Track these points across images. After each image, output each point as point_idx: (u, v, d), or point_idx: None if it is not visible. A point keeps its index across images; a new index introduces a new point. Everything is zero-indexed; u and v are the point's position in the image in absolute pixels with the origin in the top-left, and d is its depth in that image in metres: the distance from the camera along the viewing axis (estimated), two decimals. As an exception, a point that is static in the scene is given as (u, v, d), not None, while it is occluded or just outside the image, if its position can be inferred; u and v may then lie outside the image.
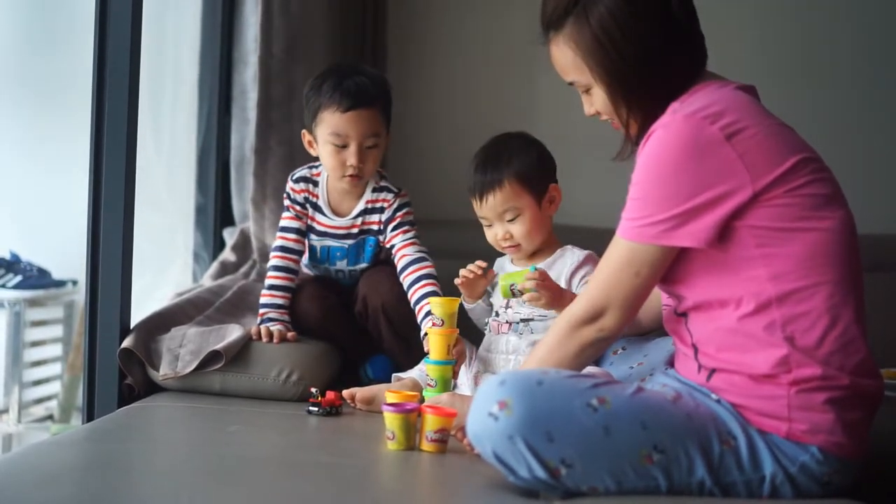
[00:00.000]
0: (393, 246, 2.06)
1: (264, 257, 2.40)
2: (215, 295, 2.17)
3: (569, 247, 1.85)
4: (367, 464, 1.49)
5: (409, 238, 2.05)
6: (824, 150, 1.41)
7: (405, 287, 2.00)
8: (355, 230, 2.08)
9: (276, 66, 2.35)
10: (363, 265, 2.13)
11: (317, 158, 2.06)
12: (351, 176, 1.98)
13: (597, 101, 1.45)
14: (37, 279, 3.00)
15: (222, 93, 2.64)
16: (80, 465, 1.45)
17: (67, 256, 3.10)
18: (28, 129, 3.20)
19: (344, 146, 1.96)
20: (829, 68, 2.85)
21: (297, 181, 2.08)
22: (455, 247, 2.14)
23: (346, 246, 2.09)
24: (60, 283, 3.10)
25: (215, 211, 2.62)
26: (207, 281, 2.34)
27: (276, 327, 1.98)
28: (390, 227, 2.06)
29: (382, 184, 2.08)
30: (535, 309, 1.79)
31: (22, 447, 1.55)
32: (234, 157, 2.59)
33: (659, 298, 1.64)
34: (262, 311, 2.04)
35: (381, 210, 2.07)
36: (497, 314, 1.87)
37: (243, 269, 2.39)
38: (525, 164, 1.80)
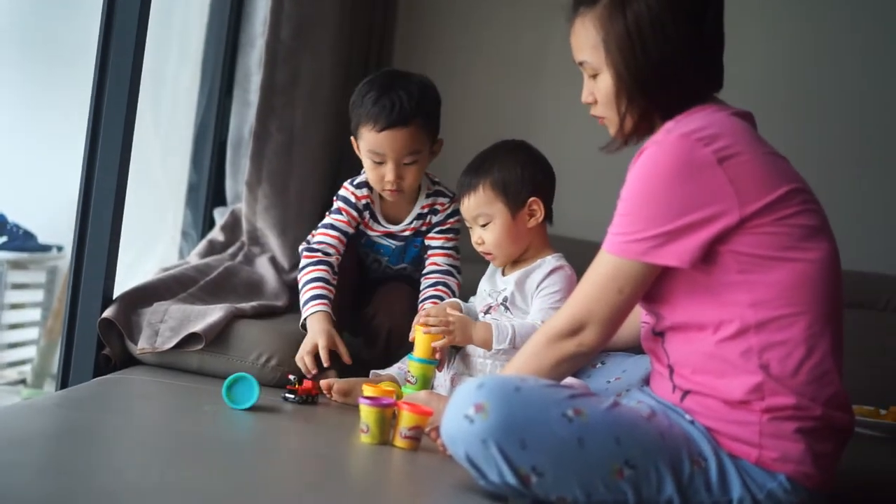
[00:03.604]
0: (430, 246, 2.06)
1: (253, 240, 2.39)
2: (201, 273, 2.17)
3: (548, 257, 1.84)
4: (339, 455, 1.49)
5: (450, 248, 2.06)
6: (816, 182, 1.43)
7: (421, 287, 2.02)
8: (408, 233, 2.06)
9: (283, 51, 2.34)
10: (403, 265, 2.12)
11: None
12: (390, 190, 1.96)
13: (600, 88, 1.44)
14: (22, 242, 2.99)
15: (225, 74, 2.63)
16: (51, 431, 1.44)
17: (55, 222, 3.09)
18: (27, 92, 3.18)
19: (382, 162, 1.93)
20: (826, 103, 2.87)
21: (359, 186, 2.03)
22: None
23: (394, 246, 2.08)
24: (45, 248, 3.08)
25: (208, 190, 2.61)
26: (194, 259, 2.33)
27: (322, 342, 1.85)
28: (437, 229, 2.05)
29: (436, 187, 2.06)
30: (513, 318, 1.81)
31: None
32: (231, 139, 2.58)
33: (638, 316, 1.66)
34: (312, 302, 1.92)
35: (436, 212, 2.05)
36: (477, 320, 1.88)
37: (231, 250, 2.39)
38: (505, 173, 1.81)
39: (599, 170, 2.49)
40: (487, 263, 1.93)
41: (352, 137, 2.00)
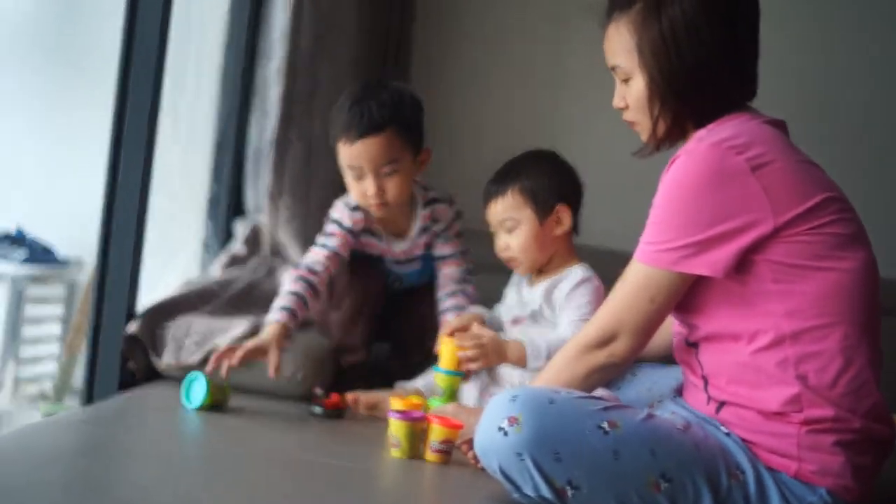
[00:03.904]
0: (439, 256, 2.03)
1: (276, 253, 2.38)
2: (224, 287, 2.16)
3: (575, 267, 1.83)
4: (371, 469, 1.48)
5: (459, 254, 2.02)
6: (851, 190, 1.40)
7: (438, 297, 1.99)
8: (418, 251, 2.02)
9: (303, 61, 2.34)
10: (424, 280, 2.09)
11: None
12: (375, 205, 1.89)
13: (632, 92, 1.42)
14: (41, 256, 2.99)
15: (244, 84, 2.63)
16: (78, 447, 1.44)
17: (73, 236, 3.10)
18: (45, 108, 3.19)
19: (361, 177, 1.87)
20: (861, 107, 2.84)
21: (355, 210, 1.95)
22: (478, 258, 2.11)
23: (414, 270, 2.06)
24: (64, 263, 3.09)
25: (228, 201, 2.61)
26: (216, 271, 2.32)
27: (250, 344, 1.77)
28: (442, 237, 2.02)
29: (431, 195, 2.01)
30: (542, 330, 1.79)
31: (19, 427, 1.53)
32: (251, 150, 2.58)
33: (669, 326, 1.64)
34: (274, 311, 1.87)
35: (437, 221, 2.01)
36: (502, 329, 1.86)
37: (252, 263, 2.38)
38: (534, 180, 1.81)
39: (623, 179, 2.48)
40: (509, 274, 1.91)
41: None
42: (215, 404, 1.67)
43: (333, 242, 1.96)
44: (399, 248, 2.02)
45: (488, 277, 2.04)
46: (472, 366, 1.71)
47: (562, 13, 2.83)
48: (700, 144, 1.33)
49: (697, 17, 1.36)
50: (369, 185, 1.86)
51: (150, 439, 1.52)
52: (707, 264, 1.31)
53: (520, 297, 1.88)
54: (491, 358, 1.71)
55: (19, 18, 3.18)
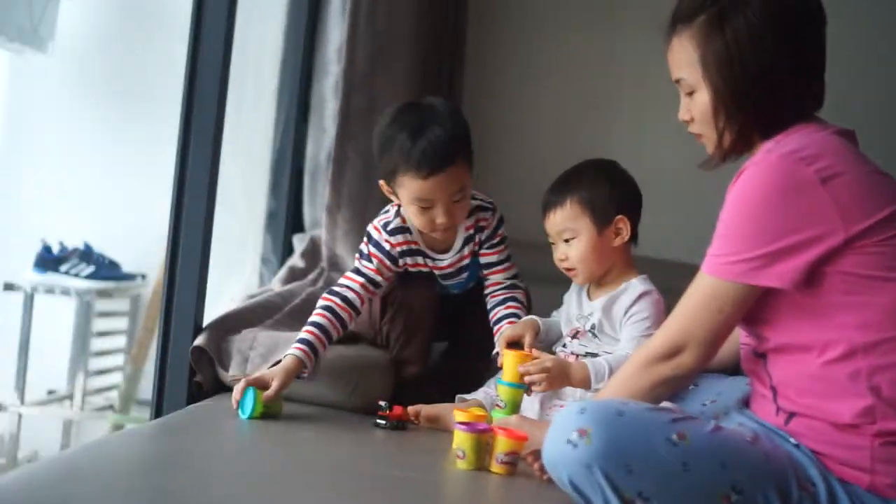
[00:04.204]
0: (486, 264, 1.99)
1: (333, 266, 2.42)
2: (285, 300, 2.20)
3: (634, 280, 1.81)
4: (438, 480, 1.49)
5: (505, 260, 1.99)
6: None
7: (489, 307, 1.97)
8: (465, 261, 1.98)
9: (359, 77, 2.37)
10: (471, 285, 2.07)
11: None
12: (443, 231, 1.85)
13: (697, 105, 1.42)
14: (108, 271, 3.08)
15: (301, 101, 2.68)
16: (153, 459, 1.47)
17: (137, 251, 3.18)
18: (110, 127, 3.29)
19: (430, 207, 1.81)
20: (875, 105, 2.77)
21: (392, 233, 1.90)
22: (530, 270, 2.11)
23: (461, 280, 2.02)
24: (130, 277, 3.17)
25: (287, 216, 2.65)
26: (277, 285, 2.37)
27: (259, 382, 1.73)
28: (487, 244, 1.97)
29: (474, 204, 1.96)
30: (602, 344, 1.78)
31: (94, 439, 1.58)
32: (308, 165, 2.63)
33: (737, 338, 1.62)
34: (295, 343, 1.82)
35: (482, 229, 1.96)
36: (564, 345, 1.86)
37: (311, 276, 2.42)
38: (593, 189, 1.79)
39: (678, 188, 2.47)
40: (567, 283, 1.91)
41: (381, 182, 1.87)
42: (268, 414, 1.72)
43: (370, 270, 1.92)
44: (445, 261, 1.98)
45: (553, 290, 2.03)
46: (537, 388, 1.70)
47: (616, 18, 2.82)
48: (769, 156, 1.32)
49: (762, 27, 1.35)
50: (440, 216, 1.81)
51: (221, 451, 1.55)
52: (776, 276, 1.30)
53: (580, 309, 1.87)
54: (555, 381, 1.69)
55: (87, 41, 3.28)
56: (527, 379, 1.69)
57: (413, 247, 1.94)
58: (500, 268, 2.00)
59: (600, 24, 2.87)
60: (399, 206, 1.91)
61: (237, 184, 2.65)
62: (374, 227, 1.94)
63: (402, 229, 1.92)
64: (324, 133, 2.59)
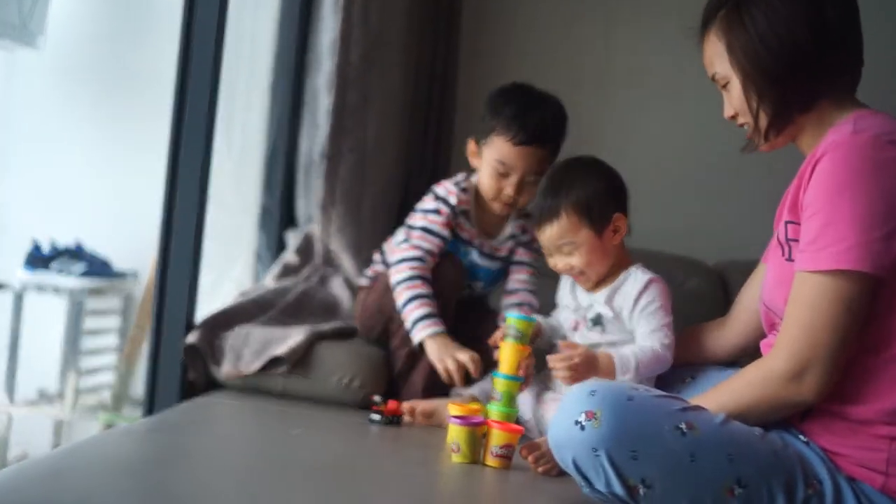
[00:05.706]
0: (517, 261, 2.07)
1: (327, 261, 2.41)
2: (278, 296, 2.18)
3: (632, 269, 1.78)
4: (431, 475, 1.48)
5: (532, 264, 2.07)
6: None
7: (504, 296, 2.03)
8: (503, 254, 2.06)
9: (353, 73, 2.36)
10: (491, 288, 2.12)
11: (468, 167, 2.02)
12: (505, 204, 1.95)
13: (733, 94, 1.42)
14: (99, 269, 3.05)
15: (294, 97, 2.66)
16: (146, 456, 1.46)
17: (128, 249, 3.16)
18: (102, 123, 3.26)
19: (506, 175, 1.92)
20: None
21: (464, 190, 1.99)
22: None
23: (493, 269, 2.07)
24: (121, 275, 3.15)
25: (280, 212, 2.64)
26: (270, 281, 2.35)
27: (464, 356, 1.84)
28: (527, 246, 2.07)
29: (526, 209, 2.01)
30: (605, 336, 1.77)
31: (87, 437, 1.56)
32: (301, 161, 2.61)
33: (741, 327, 1.62)
34: (426, 321, 1.88)
35: (525, 232, 2.06)
36: (565, 337, 1.84)
37: (305, 273, 2.40)
38: (586, 193, 1.73)
39: (664, 182, 2.45)
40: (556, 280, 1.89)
41: (471, 140, 1.98)
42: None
43: (438, 225, 1.96)
44: (492, 242, 2.05)
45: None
46: (565, 383, 1.68)
47: (611, 12, 2.81)
48: (855, 138, 1.28)
49: (778, 10, 1.35)
50: (509, 186, 1.91)
51: (215, 447, 1.54)
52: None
53: (576, 301, 1.85)
54: (581, 372, 1.66)
55: (78, 37, 3.26)
56: (554, 373, 1.68)
57: (466, 208, 2.01)
58: (528, 269, 2.07)
59: (595, 17, 2.86)
60: (467, 175, 2.00)
61: (230, 180, 2.63)
62: (441, 185, 2.01)
63: (467, 191, 1.99)
64: (317, 129, 2.57)
